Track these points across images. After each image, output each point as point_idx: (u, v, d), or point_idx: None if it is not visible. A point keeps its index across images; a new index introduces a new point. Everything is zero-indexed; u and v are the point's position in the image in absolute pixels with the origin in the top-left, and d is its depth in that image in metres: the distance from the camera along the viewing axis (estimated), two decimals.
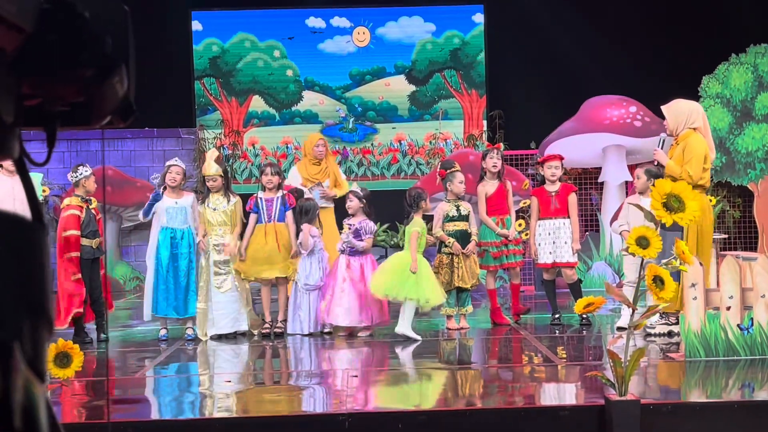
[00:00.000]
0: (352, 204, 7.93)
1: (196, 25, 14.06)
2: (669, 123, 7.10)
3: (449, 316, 8.07)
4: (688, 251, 4.62)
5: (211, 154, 8.27)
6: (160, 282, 7.84)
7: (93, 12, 1.00)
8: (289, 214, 7.98)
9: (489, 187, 8.33)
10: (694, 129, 7.00)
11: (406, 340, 7.51)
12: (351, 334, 7.81)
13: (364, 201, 7.93)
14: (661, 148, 7.20)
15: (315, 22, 14.16)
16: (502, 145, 9.41)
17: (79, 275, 7.64)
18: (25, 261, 0.95)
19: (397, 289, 7.53)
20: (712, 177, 8.41)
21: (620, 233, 8.07)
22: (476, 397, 5.56)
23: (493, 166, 8.30)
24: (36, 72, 0.99)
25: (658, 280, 4.43)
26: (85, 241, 7.73)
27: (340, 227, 8.19)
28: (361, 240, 7.81)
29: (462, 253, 7.93)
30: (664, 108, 7.22)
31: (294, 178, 8.92)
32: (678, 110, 7.08)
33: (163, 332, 7.96)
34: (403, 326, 7.57)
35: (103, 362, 7.09)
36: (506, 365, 6.63)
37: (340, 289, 7.74)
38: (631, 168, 11.90)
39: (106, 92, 1.02)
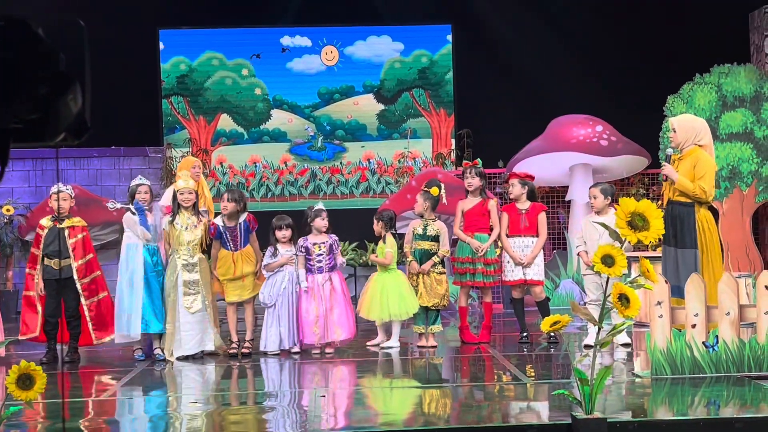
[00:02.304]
0: (321, 222, 7.95)
1: (163, 44, 14.01)
2: (678, 136, 6.91)
3: (420, 334, 8.10)
4: (652, 270, 4.65)
5: (185, 172, 8.23)
6: (122, 300, 7.77)
7: (48, 29, 0.99)
8: (252, 236, 7.95)
9: (467, 203, 8.36)
10: (700, 146, 6.89)
11: (379, 355, 7.56)
12: (321, 351, 7.83)
13: (324, 219, 7.98)
14: (670, 163, 6.99)
15: (284, 40, 14.17)
16: (479, 161, 9.45)
17: (32, 292, 7.67)
18: None
19: (385, 311, 8.01)
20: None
21: (577, 254, 8.12)
22: (444, 416, 5.55)
23: (468, 185, 8.35)
24: None
25: (624, 298, 4.45)
26: (45, 261, 7.68)
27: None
28: (335, 254, 7.96)
29: (419, 272, 8.00)
30: (674, 120, 7.05)
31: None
32: (689, 125, 6.94)
33: (138, 352, 7.89)
34: (392, 341, 8.11)
35: (69, 384, 7.00)
36: (474, 384, 6.63)
37: (330, 307, 7.82)
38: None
39: (60, 109, 1.01)
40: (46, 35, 1.00)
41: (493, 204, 8.38)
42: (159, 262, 7.87)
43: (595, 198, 7.90)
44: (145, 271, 7.78)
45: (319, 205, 8.14)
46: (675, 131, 6.94)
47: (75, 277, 7.69)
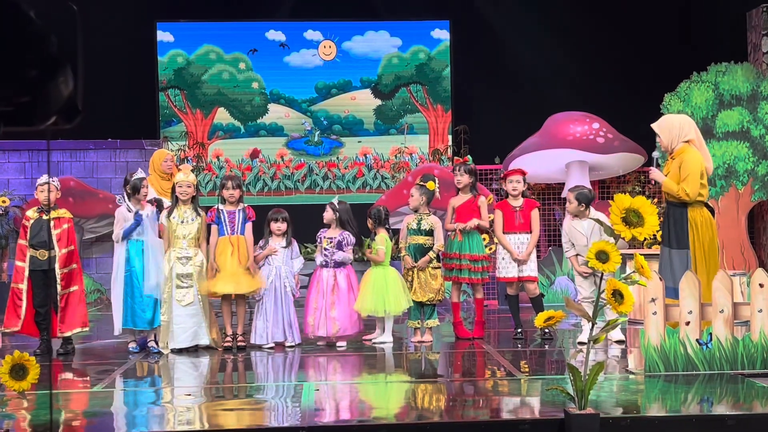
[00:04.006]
0: (326, 215, 8.02)
1: (161, 36, 13.99)
2: (663, 140, 6.91)
3: (416, 329, 8.13)
4: (647, 267, 4.65)
5: (183, 167, 8.21)
6: (135, 295, 7.77)
7: (39, 11, 0.98)
8: (249, 226, 7.94)
9: (458, 200, 8.38)
10: (688, 142, 6.84)
11: (373, 349, 7.56)
12: (329, 344, 7.90)
13: (338, 213, 8.00)
14: (656, 167, 7.10)
15: (281, 35, 14.15)
16: (469, 158, 9.45)
17: (21, 285, 7.67)
18: None
19: (376, 305, 7.96)
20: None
21: (568, 258, 8.10)
22: (437, 411, 5.55)
23: (457, 182, 8.37)
24: None
25: (618, 294, 4.46)
26: (31, 251, 7.68)
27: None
28: (343, 251, 7.96)
29: (414, 267, 8.02)
30: (654, 126, 7.02)
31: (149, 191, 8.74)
32: (670, 125, 6.91)
33: (132, 345, 7.90)
34: (384, 336, 8.10)
35: (60, 374, 7.01)
36: (468, 379, 6.64)
37: (330, 302, 7.86)
38: (594, 183, 12.01)
39: (51, 92, 1.00)
40: (38, 18, 0.99)
41: (483, 200, 8.40)
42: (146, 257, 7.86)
43: (569, 202, 7.90)
44: (131, 266, 7.79)
45: (333, 199, 8.22)
46: (659, 135, 6.95)
47: (56, 267, 7.70)
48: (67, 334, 7.79)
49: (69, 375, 7.08)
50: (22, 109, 1.02)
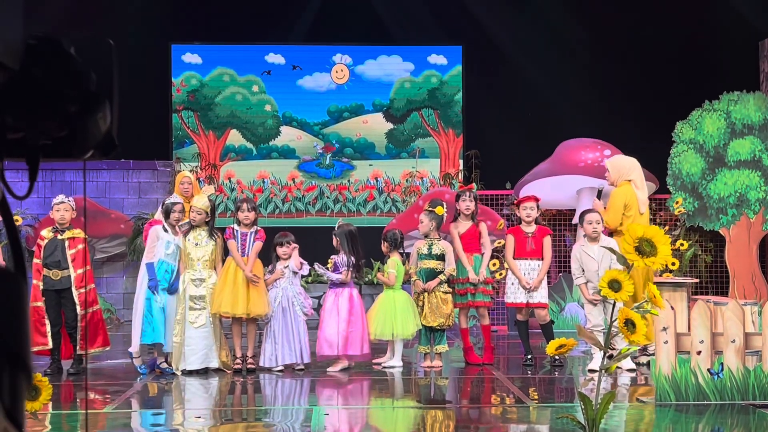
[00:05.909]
0: (333, 240, 8.08)
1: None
2: (611, 175, 8.27)
3: (425, 354, 8.12)
4: (659, 296, 4.64)
5: (207, 189, 8.27)
6: (158, 312, 7.79)
7: (79, 49, 1.01)
8: (256, 245, 7.95)
9: (461, 227, 8.39)
10: (629, 181, 8.14)
11: (383, 374, 7.55)
12: (328, 368, 7.87)
13: (336, 237, 8.07)
14: (599, 198, 8.55)
15: (295, 58, 14.23)
16: (475, 186, 9.47)
17: (39, 303, 7.70)
18: (4, 312, 0.95)
19: (384, 328, 8.00)
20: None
21: (578, 286, 8.09)
22: None
23: (466, 208, 8.37)
24: (20, 106, 0.99)
25: (630, 323, 4.45)
26: (44, 271, 7.72)
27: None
28: (339, 272, 7.93)
29: (424, 291, 8.02)
30: (606, 162, 8.43)
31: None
32: (619, 165, 8.34)
33: (142, 366, 7.90)
34: (394, 360, 8.10)
35: (73, 396, 7.01)
36: (477, 405, 6.62)
37: (327, 323, 7.92)
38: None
39: (90, 127, 1.03)
40: (77, 54, 1.02)
41: (484, 226, 8.42)
42: (172, 278, 7.93)
43: (598, 223, 7.91)
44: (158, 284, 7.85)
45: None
46: (608, 171, 8.26)
47: (73, 287, 7.74)
48: (92, 352, 7.87)
49: (81, 396, 7.08)
50: (62, 142, 1.05)
